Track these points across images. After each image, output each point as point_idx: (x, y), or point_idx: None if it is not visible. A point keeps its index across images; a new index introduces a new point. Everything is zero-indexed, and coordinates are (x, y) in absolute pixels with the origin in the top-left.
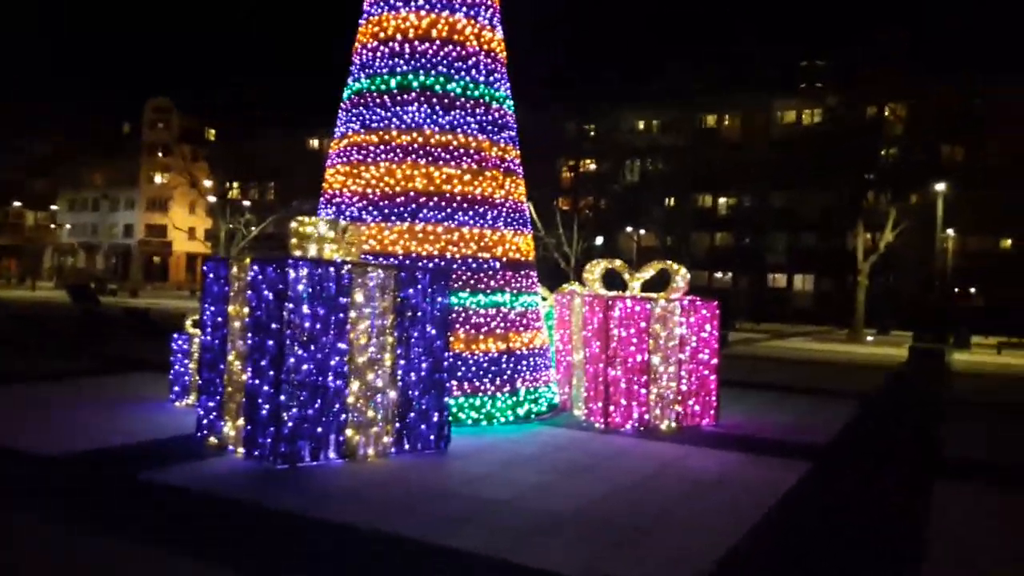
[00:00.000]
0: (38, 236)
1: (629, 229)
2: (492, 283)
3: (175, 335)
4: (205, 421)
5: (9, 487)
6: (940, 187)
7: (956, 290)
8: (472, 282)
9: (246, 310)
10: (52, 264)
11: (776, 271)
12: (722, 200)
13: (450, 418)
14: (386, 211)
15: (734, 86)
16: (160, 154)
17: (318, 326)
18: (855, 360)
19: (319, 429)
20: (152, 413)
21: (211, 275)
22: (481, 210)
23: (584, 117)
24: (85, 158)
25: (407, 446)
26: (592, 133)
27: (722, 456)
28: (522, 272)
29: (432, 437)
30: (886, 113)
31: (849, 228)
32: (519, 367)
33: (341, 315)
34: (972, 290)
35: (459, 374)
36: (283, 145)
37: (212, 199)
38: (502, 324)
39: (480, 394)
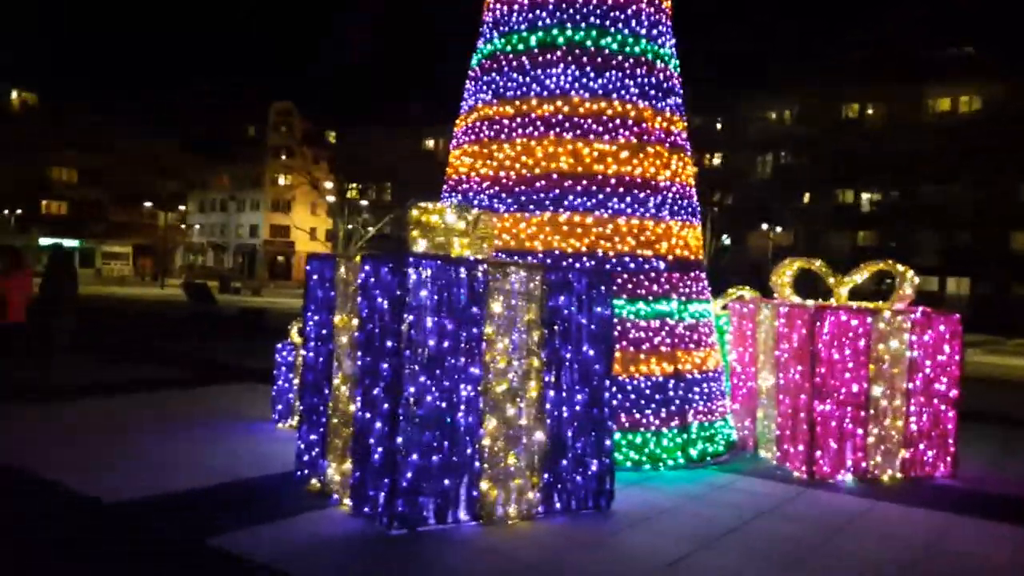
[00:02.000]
0: (170, 236)
1: (765, 226)
2: (655, 287)
3: (279, 345)
4: (306, 458)
5: (26, 541)
6: None
7: None
8: (630, 286)
9: (355, 321)
10: (183, 263)
11: (926, 273)
12: (865, 196)
13: (614, 462)
14: (523, 198)
15: (878, 71)
16: (283, 156)
17: (446, 344)
18: None
19: (446, 481)
20: (247, 439)
21: (315, 276)
22: (641, 196)
23: (711, 107)
24: (213, 162)
25: (558, 504)
26: (719, 125)
27: (995, 530)
28: (692, 274)
29: (590, 492)
30: None
31: (1019, 226)
32: (690, 395)
33: (475, 330)
34: None
35: (615, 403)
36: (400, 145)
37: (331, 199)
38: (668, 339)
39: (642, 429)
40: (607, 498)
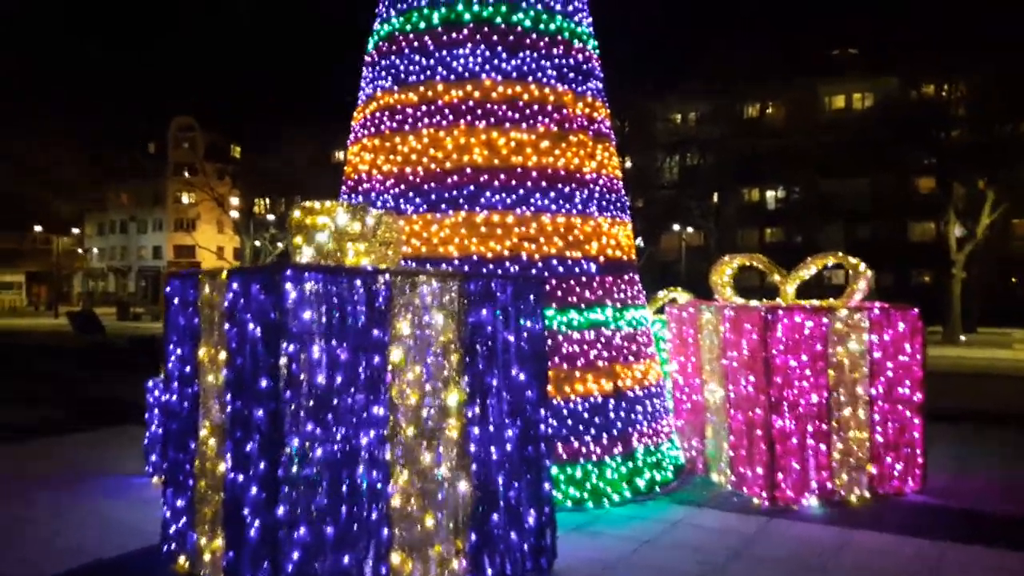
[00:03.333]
0: (66, 261)
1: (676, 228)
2: (588, 294)
3: (150, 382)
4: (173, 529)
5: None
6: None
7: None
8: (560, 293)
9: (223, 355)
10: (82, 289)
11: (831, 268)
12: (770, 193)
13: (554, 512)
14: (433, 197)
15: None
16: (186, 173)
17: (339, 379)
18: (993, 366)
19: (346, 558)
20: (109, 502)
21: (175, 300)
22: (566, 190)
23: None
24: (110, 180)
25: (489, 571)
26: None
27: (988, 559)
28: (626, 276)
29: (528, 551)
30: (943, 92)
31: (914, 217)
32: (633, 415)
33: (377, 359)
34: None
35: (549, 431)
36: (306, 156)
37: (235, 215)
38: (605, 352)
39: (582, 460)
40: (548, 556)
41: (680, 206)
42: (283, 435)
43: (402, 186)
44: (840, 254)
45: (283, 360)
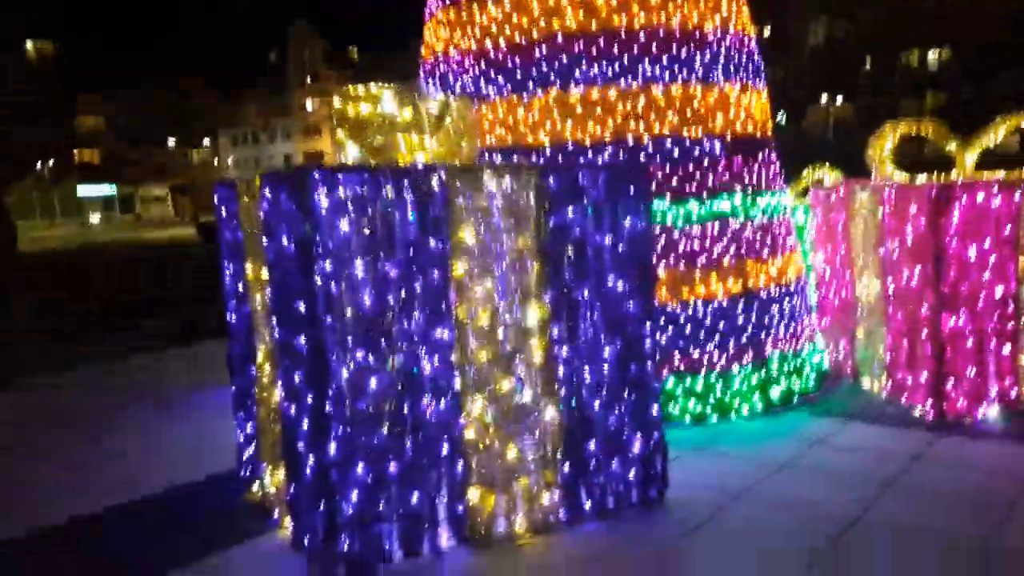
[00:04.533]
0: (205, 173)
1: (823, 99)
2: (712, 179)
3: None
4: (245, 455)
5: None
6: None
7: None
8: (676, 181)
9: (264, 273)
10: None
11: None
12: (932, 55)
13: (664, 438)
14: (518, 75)
15: None
16: (308, 80)
17: (390, 301)
18: None
19: (415, 497)
20: (207, 416)
21: (222, 211)
22: (683, 53)
23: None
24: (239, 92)
25: (587, 505)
26: None
27: None
28: (760, 156)
29: (633, 482)
30: None
31: None
32: (767, 318)
33: (435, 274)
34: None
35: (664, 341)
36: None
37: None
38: (733, 248)
39: (704, 371)
40: (658, 487)
41: (828, 75)
42: (328, 365)
43: (482, 64)
44: None
45: (318, 280)
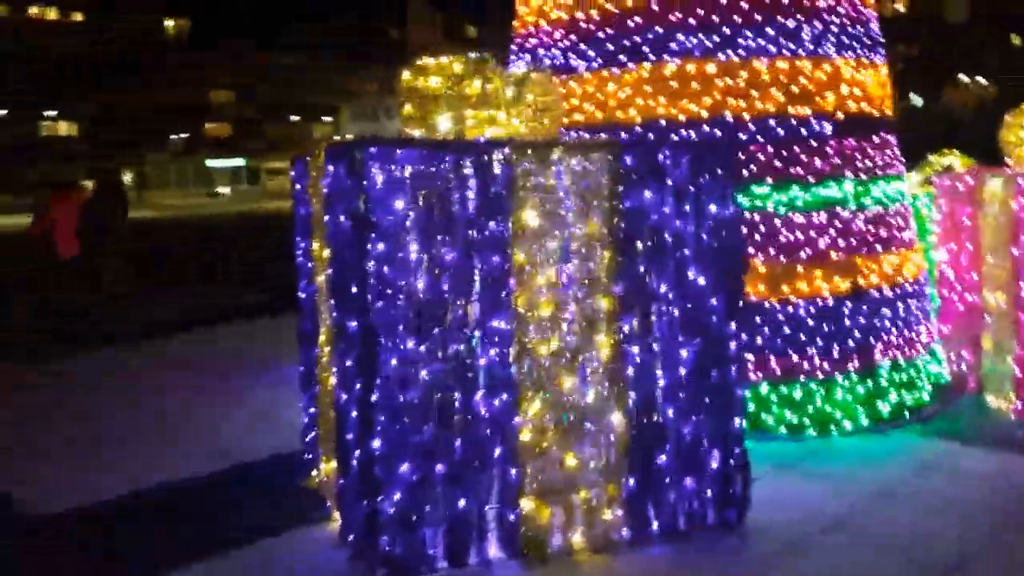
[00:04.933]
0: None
1: (964, 78)
2: (819, 163)
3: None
4: (308, 437)
5: None
6: None
7: None
8: (779, 163)
9: (327, 252)
10: None
11: None
12: None
13: (746, 453)
14: (610, 47)
15: None
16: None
17: (445, 287)
18: None
19: (462, 502)
20: (279, 394)
21: (297, 186)
22: (790, 24)
23: None
24: (359, 67)
25: (655, 524)
26: None
27: None
28: (875, 139)
29: (710, 501)
30: None
31: None
32: (877, 321)
33: (495, 258)
34: None
35: (758, 342)
36: None
37: None
38: (842, 241)
39: (803, 378)
40: (738, 509)
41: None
42: (375, 353)
43: (572, 37)
44: None
45: (371, 261)
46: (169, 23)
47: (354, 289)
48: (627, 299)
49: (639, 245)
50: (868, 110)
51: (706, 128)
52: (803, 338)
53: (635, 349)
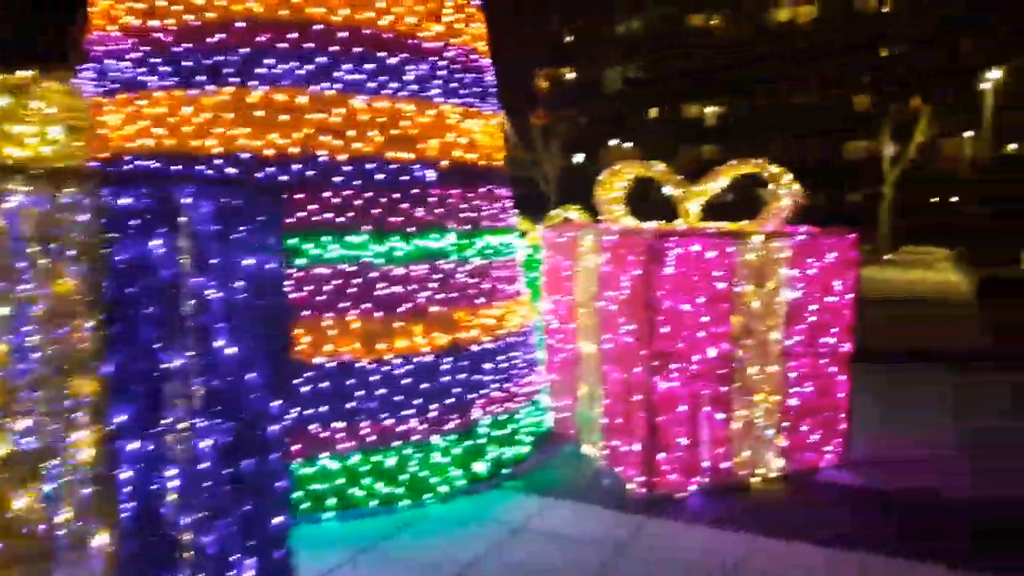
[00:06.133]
0: None
1: (614, 142)
2: (420, 212)
3: None
4: None
5: None
6: (993, 77)
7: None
8: (376, 212)
9: None
10: None
11: (762, 186)
12: (710, 109)
13: (290, 557)
14: (188, 63)
15: None
16: None
17: None
18: (914, 289)
19: None
20: None
21: None
22: (394, 62)
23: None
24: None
25: None
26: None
27: None
28: (480, 190)
29: None
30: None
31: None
32: (477, 376)
33: None
34: None
35: (348, 408)
36: None
37: None
38: (442, 294)
39: (395, 443)
40: None
41: (622, 119)
42: None
43: (145, 49)
44: (760, 161)
45: None
46: None
47: None
48: (121, 381)
49: (140, 309)
50: (476, 160)
51: (295, 166)
52: (397, 399)
53: (133, 445)
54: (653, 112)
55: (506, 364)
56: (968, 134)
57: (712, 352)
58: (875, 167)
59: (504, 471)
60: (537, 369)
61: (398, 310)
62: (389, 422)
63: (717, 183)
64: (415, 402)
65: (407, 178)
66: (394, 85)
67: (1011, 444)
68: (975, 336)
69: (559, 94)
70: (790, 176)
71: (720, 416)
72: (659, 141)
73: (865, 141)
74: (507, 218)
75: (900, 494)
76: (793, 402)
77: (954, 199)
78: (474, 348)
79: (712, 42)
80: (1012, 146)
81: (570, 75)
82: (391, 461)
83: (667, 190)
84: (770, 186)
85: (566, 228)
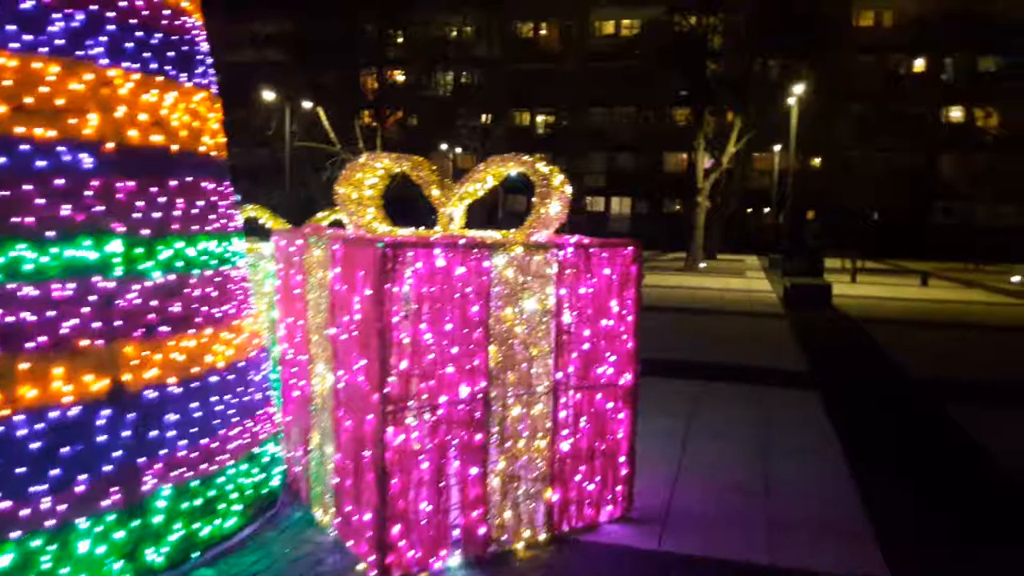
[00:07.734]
0: None
1: (444, 147)
2: (67, 210)
3: None
4: None
5: None
6: (796, 92)
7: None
8: None
9: None
10: None
11: (595, 193)
12: (540, 118)
13: None
14: None
15: None
16: None
17: None
18: (725, 298)
19: None
20: None
21: None
22: (27, 5)
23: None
24: None
25: None
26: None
27: None
28: (171, 183)
29: None
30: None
31: (669, 147)
32: (154, 435)
33: None
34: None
35: None
36: None
37: None
38: (99, 323)
39: (21, 533)
40: None
41: (451, 124)
42: None
43: None
44: (528, 158)
45: None
46: None
47: None
48: None
49: None
50: (162, 143)
51: None
52: (28, 471)
53: None
54: (484, 118)
55: (201, 413)
56: (777, 147)
57: (463, 391)
58: (692, 178)
59: (194, 556)
60: (260, 413)
61: (26, 346)
62: (11, 502)
63: (480, 184)
64: (51, 474)
65: (45, 163)
66: (28, 37)
67: (811, 482)
68: (785, 350)
69: (390, 94)
70: (561, 177)
71: (474, 471)
72: (492, 149)
73: (685, 154)
74: (220, 220)
75: (691, 558)
76: (564, 447)
77: (767, 210)
78: (150, 394)
79: (540, 51)
80: (816, 160)
81: (400, 76)
82: (9, 557)
83: (436, 192)
84: (537, 188)
85: (295, 235)
